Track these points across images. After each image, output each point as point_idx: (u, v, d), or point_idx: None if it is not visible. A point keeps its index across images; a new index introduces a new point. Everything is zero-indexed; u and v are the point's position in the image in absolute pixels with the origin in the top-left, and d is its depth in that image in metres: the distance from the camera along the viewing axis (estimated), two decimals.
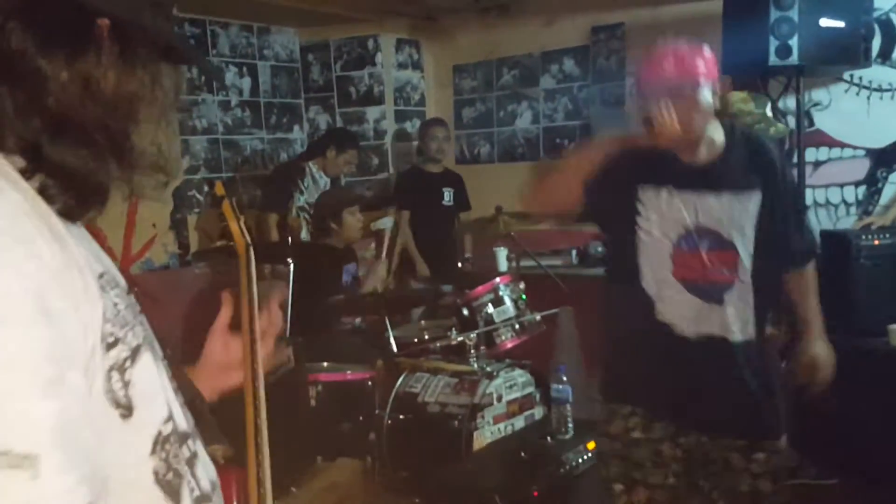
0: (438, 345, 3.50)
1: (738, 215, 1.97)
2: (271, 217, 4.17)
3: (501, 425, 3.16)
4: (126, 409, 0.71)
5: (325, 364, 3.25)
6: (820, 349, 2.15)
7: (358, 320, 3.92)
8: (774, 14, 3.74)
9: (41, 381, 0.61)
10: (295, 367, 2.39)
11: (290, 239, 3.27)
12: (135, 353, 0.73)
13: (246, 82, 5.14)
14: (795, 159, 4.26)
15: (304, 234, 4.20)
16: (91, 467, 0.64)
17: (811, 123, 4.37)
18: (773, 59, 3.78)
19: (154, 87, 0.75)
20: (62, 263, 0.66)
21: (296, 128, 5.47)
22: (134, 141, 0.75)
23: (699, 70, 1.89)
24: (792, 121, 4.25)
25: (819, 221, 4.37)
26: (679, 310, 1.99)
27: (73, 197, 0.70)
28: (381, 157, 5.55)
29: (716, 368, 1.99)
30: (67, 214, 0.71)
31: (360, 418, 3.15)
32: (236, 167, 5.02)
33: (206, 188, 4.82)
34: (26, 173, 0.69)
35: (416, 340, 3.56)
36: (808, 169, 4.34)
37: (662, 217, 1.98)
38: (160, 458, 0.75)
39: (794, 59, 3.75)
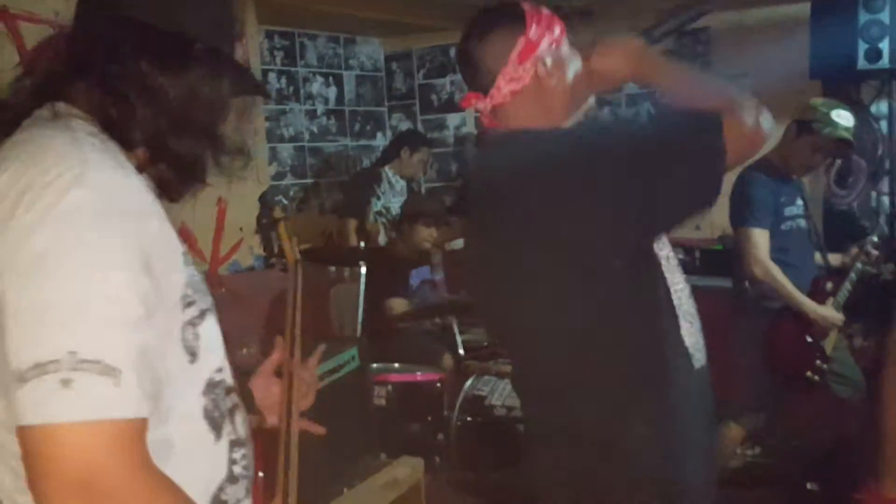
0: None
1: None
2: (351, 222, 4.31)
3: None
4: (192, 356, 0.92)
5: (397, 365, 3.34)
6: None
7: (437, 320, 4.00)
8: (864, 17, 3.63)
9: (134, 316, 0.81)
10: (361, 366, 2.48)
11: (361, 243, 3.38)
12: (203, 314, 0.94)
13: (332, 91, 5.32)
14: (888, 165, 4.09)
15: (382, 239, 4.32)
16: (156, 392, 0.84)
17: None
18: (861, 63, 3.67)
19: (238, 91, 1.00)
20: (165, 237, 0.89)
21: (379, 135, 5.62)
22: (223, 132, 0.99)
23: None
24: (885, 126, 4.09)
25: None
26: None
27: (182, 179, 0.97)
28: (461, 164, 5.64)
29: None
30: (173, 195, 0.97)
31: (429, 419, 3.23)
32: (320, 173, 5.21)
33: (291, 193, 5.02)
34: (146, 164, 0.93)
35: (485, 344, 3.61)
36: None
37: None
38: (209, 398, 0.95)
39: (884, 62, 3.62)
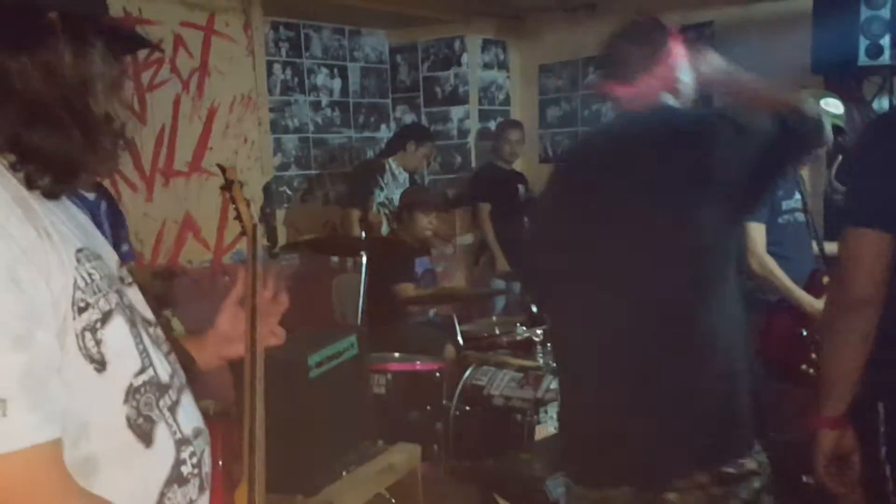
0: (506, 339, 3.58)
1: None
2: (354, 213, 4.35)
3: None
4: (100, 364, 0.84)
5: (396, 354, 3.38)
6: None
7: (432, 312, 4.05)
8: (865, 13, 3.64)
9: (11, 336, 0.73)
10: (359, 354, 2.51)
11: (363, 233, 3.41)
12: (106, 316, 0.86)
13: (336, 83, 5.35)
14: None
15: (385, 229, 4.36)
16: (60, 410, 0.77)
17: None
18: (862, 59, 3.67)
19: (105, 64, 0.87)
20: (33, 242, 0.79)
21: (383, 127, 5.65)
22: (95, 113, 0.87)
23: None
24: None
25: None
26: None
27: (51, 176, 0.84)
28: (463, 156, 5.67)
29: None
30: (49, 193, 0.84)
31: (428, 408, 3.27)
32: (324, 164, 5.24)
33: (295, 184, 5.07)
34: (16, 165, 0.82)
35: (485, 335, 3.65)
36: None
37: None
38: (132, 406, 0.88)
39: (885, 58, 3.63)
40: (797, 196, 3.25)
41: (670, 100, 1.79)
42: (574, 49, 5.58)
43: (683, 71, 1.81)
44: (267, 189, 4.66)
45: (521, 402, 3.18)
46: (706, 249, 1.68)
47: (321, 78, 5.25)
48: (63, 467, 0.77)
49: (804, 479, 3.25)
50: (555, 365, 3.25)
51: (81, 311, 0.82)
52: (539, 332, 3.47)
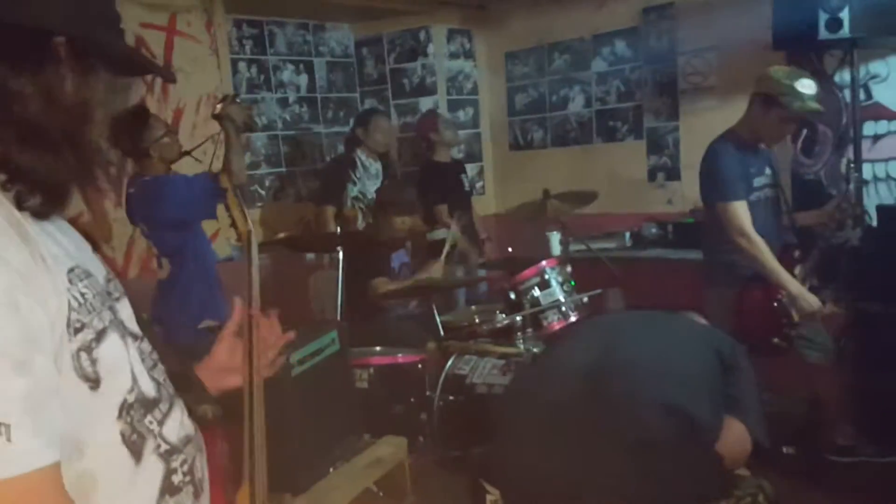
0: (486, 328, 3.60)
1: None
2: (328, 210, 4.33)
3: None
4: (94, 382, 0.84)
5: (378, 348, 3.38)
6: None
7: (412, 304, 4.05)
8: None
9: (12, 362, 0.73)
10: (341, 349, 2.51)
11: (338, 229, 3.40)
12: (100, 335, 0.86)
13: (303, 79, 5.32)
14: (852, 133, 4.17)
15: (361, 223, 4.34)
16: (59, 432, 0.77)
17: (869, 97, 4.26)
18: (823, 34, 3.72)
19: (108, 92, 0.87)
20: (28, 266, 0.79)
21: (352, 121, 5.61)
22: (90, 140, 0.87)
23: None
24: (848, 95, 4.17)
25: (879, 196, 4.27)
26: None
27: (41, 198, 0.83)
28: None
29: None
30: (38, 214, 0.84)
31: (412, 400, 3.28)
32: (295, 161, 5.21)
33: (266, 183, 5.03)
34: (6, 185, 0.81)
35: (465, 324, 3.66)
36: (867, 143, 4.24)
37: None
38: (126, 422, 0.88)
39: (845, 32, 3.67)
40: (768, 171, 3.30)
41: None
42: (539, 35, 5.60)
43: None
44: (238, 189, 4.62)
45: (503, 389, 3.20)
46: None
47: (287, 74, 5.21)
48: (62, 489, 0.78)
49: (784, 450, 3.32)
50: (535, 351, 3.27)
51: (77, 331, 0.83)
52: (518, 318, 3.49)
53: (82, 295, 0.85)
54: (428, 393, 3.29)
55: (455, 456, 3.17)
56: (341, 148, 5.38)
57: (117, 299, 0.95)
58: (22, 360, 0.74)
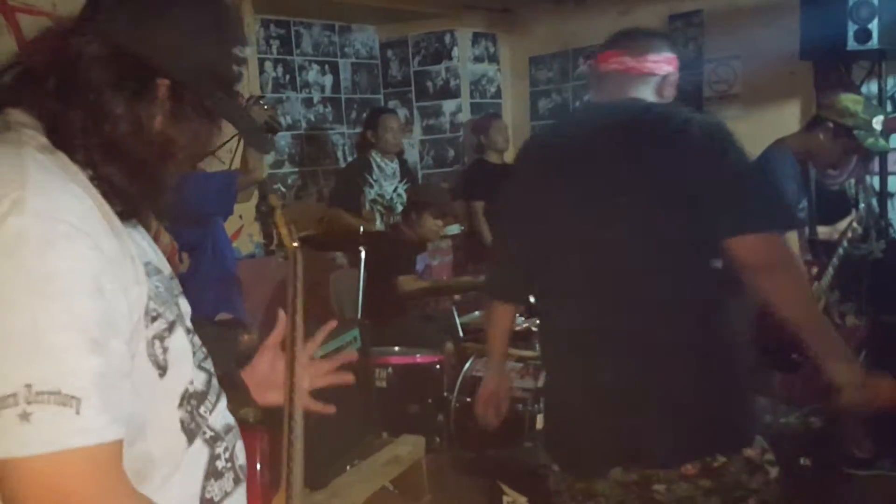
0: None
1: None
2: (340, 213, 4.34)
3: None
4: (162, 370, 0.91)
5: (397, 348, 3.40)
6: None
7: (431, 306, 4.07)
8: None
9: (90, 340, 0.79)
10: (362, 348, 2.54)
11: (361, 228, 3.42)
12: (171, 326, 0.93)
13: (328, 80, 5.36)
14: None
15: (379, 225, 4.36)
16: (125, 413, 0.82)
17: None
18: (851, 44, 3.71)
19: (195, 137, 0.95)
20: (117, 254, 0.85)
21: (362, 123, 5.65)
22: (166, 174, 0.94)
23: None
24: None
25: None
26: None
27: (121, 205, 0.91)
28: (456, 150, 5.68)
29: None
30: (121, 216, 0.91)
31: (429, 400, 3.30)
32: (318, 161, 5.25)
33: (289, 181, 5.07)
34: (94, 181, 0.89)
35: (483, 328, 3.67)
36: (893, 156, 4.20)
37: None
38: (185, 411, 0.95)
39: (873, 43, 3.66)
40: (804, 203, 3.20)
41: (648, 93, 1.81)
42: (564, 40, 5.60)
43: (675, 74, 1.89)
44: (261, 187, 4.66)
45: (521, 392, 3.21)
46: (680, 242, 1.65)
47: (312, 74, 5.26)
48: (121, 467, 0.82)
49: (801, 461, 3.31)
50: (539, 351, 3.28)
51: (154, 319, 0.89)
52: (538, 322, 3.49)
53: (156, 287, 0.92)
54: (445, 394, 3.30)
55: (471, 457, 3.19)
56: None
57: (178, 295, 1.01)
58: (99, 341, 0.79)
